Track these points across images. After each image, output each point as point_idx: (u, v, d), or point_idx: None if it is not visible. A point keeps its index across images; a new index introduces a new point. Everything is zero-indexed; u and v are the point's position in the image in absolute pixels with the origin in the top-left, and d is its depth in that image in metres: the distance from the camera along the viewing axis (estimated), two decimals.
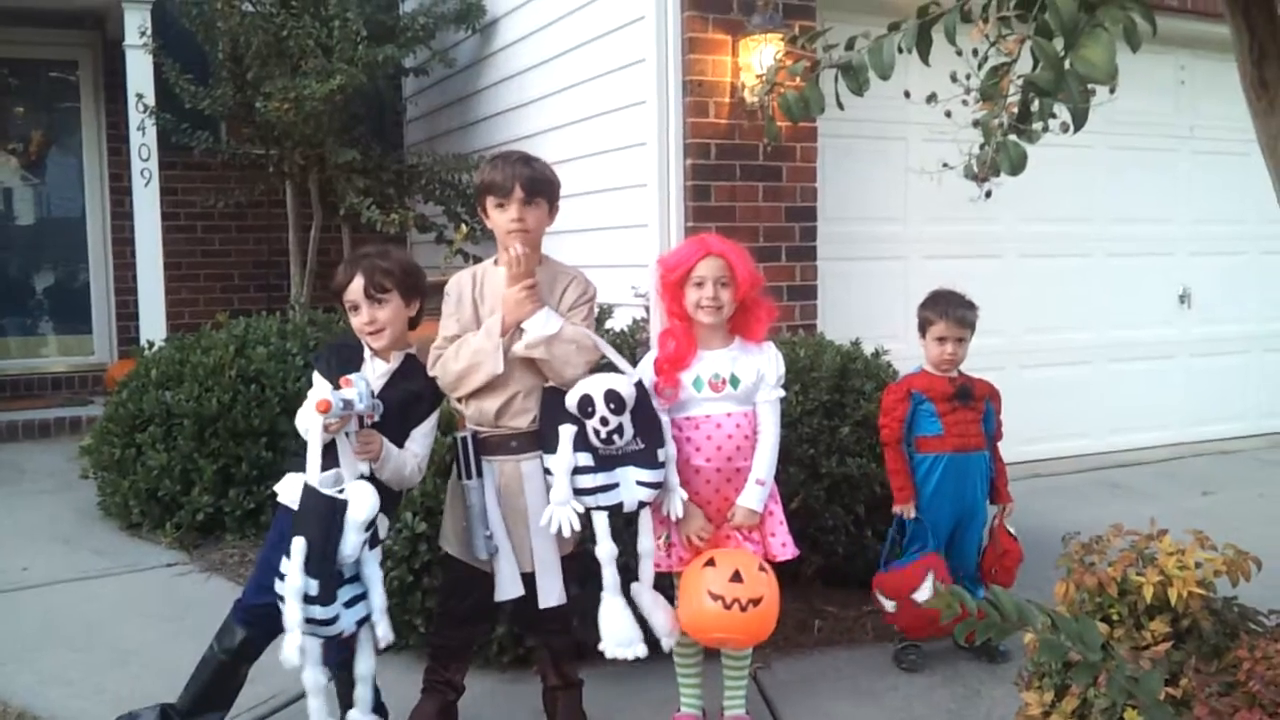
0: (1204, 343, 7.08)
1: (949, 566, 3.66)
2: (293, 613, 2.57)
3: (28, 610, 4.08)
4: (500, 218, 2.89)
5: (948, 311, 3.61)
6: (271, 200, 7.88)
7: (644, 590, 2.94)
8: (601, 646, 2.89)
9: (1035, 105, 1.95)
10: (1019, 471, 3.91)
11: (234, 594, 3.21)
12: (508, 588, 2.88)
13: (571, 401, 2.81)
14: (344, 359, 2.90)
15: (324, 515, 2.59)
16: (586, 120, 5.88)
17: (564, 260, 3.08)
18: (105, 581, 4.43)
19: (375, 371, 2.89)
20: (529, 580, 2.89)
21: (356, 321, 2.89)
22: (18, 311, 8.44)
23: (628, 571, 2.92)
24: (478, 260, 3.11)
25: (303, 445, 2.74)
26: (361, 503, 2.62)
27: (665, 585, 3.16)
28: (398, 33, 7.21)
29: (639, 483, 2.83)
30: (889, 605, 3.53)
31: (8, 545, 4.82)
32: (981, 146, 1.97)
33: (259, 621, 2.85)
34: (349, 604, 2.68)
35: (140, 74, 6.92)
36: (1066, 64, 1.81)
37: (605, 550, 2.84)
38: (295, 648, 2.58)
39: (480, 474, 2.85)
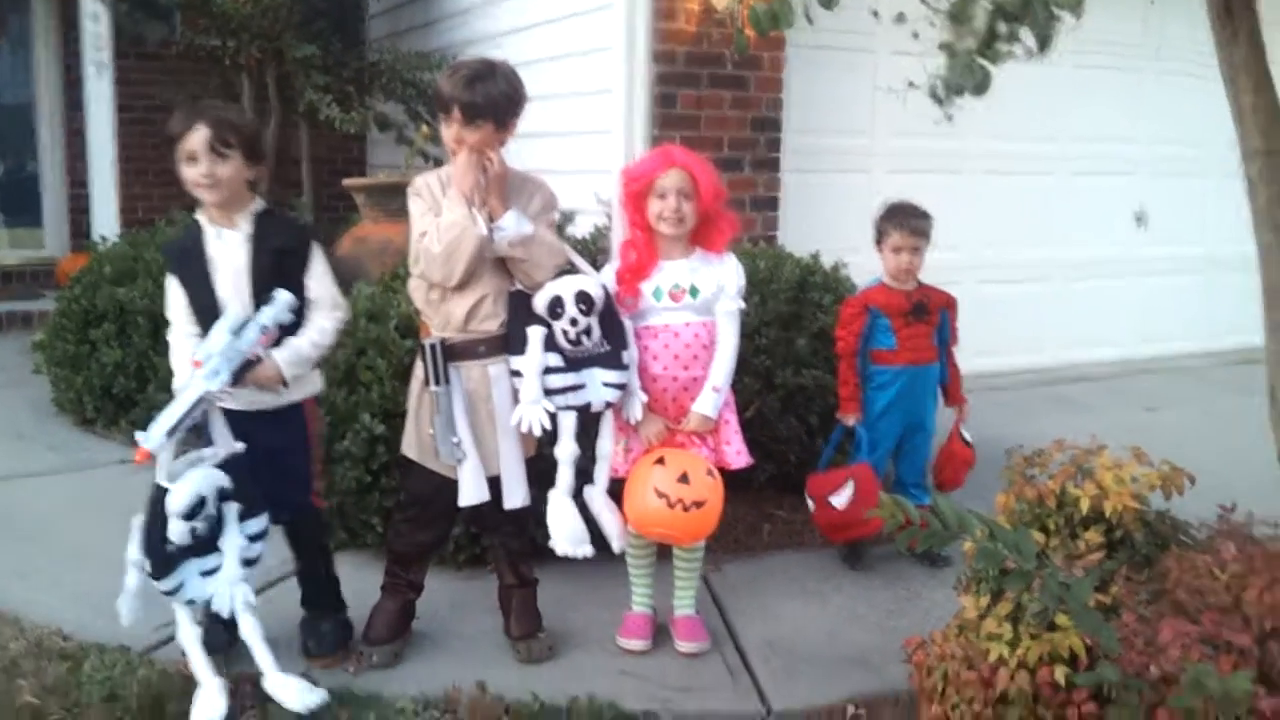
0: (1159, 261, 7.16)
1: (897, 474, 3.81)
2: (132, 579, 2.63)
3: None
4: (445, 132, 2.88)
5: (903, 222, 3.66)
6: (228, 95, 7.68)
7: (598, 493, 3.01)
8: (552, 544, 2.96)
9: (1002, 29, 1.96)
10: (971, 384, 3.99)
11: None
12: (473, 492, 2.90)
13: (541, 303, 2.83)
14: (188, 261, 2.79)
15: (154, 501, 2.57)
16: (552, 23, 5.76)
17: (527, 166, 3.06)
18: (60, 478, 4.44)
19: (228, 244, 2.76)
20: (493, 484, 2.93)
21: (191, 173, 2.71)
22: None
23: (581, 475, 2.98)
24: (439, 163, 3.07)
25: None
26: (178, 495, 2.53)
27: (618, 492, 3.22)
28: None
29: (605, 384, 2.89)
30: (811, 505, 3.65)
31: None
32: (948, 70, 1.98)
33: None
34: (208, 574, 2.64)
35: None
36: None
37: (566, 450, 2.91)
38: (128, 610, 2.64)
39: (448, 380, 2.86)
